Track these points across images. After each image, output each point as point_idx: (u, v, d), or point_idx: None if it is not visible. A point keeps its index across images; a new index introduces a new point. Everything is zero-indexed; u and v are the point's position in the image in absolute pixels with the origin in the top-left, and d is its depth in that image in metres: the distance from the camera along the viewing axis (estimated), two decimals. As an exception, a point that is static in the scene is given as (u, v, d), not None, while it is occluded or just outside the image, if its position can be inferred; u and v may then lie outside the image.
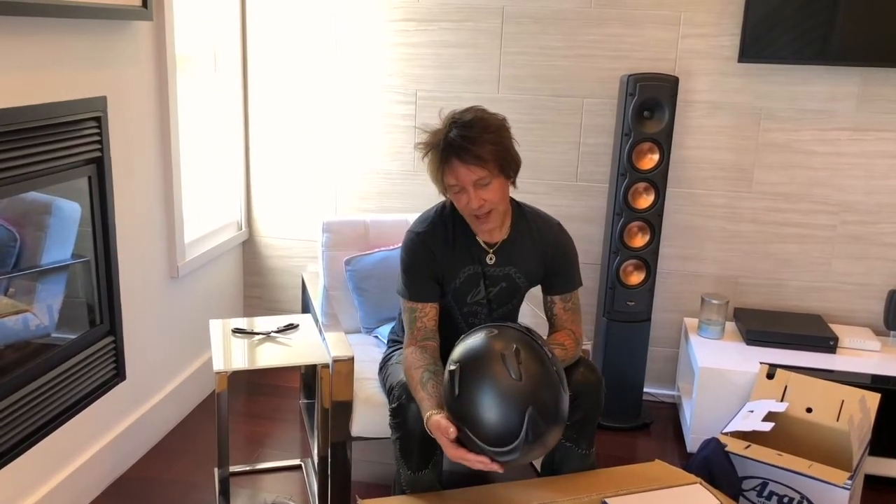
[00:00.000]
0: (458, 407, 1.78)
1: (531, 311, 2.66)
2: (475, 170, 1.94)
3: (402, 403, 2.03)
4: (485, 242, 2.13)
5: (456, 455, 1.82)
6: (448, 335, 2.20)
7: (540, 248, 2.16)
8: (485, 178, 1.95)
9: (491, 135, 1.95)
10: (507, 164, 1.99)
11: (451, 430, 1.81)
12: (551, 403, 1.77)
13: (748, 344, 2.90)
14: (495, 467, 1.79)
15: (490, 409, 1.74)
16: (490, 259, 2.13)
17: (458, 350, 1.85)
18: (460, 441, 1.82)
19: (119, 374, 2.52)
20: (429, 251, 2.10)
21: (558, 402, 1.78)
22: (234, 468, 2.64)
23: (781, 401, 2.55)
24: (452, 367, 1.80)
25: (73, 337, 2.29)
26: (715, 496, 2.00)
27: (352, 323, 2.78)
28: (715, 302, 2.94)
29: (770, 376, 2.61)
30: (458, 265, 2.12)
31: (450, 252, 2.11)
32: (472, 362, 1.78)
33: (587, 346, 2.41)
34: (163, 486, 2.53)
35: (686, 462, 2.57)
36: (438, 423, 1.84)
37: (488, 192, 1.97)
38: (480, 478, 2.66)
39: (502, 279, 2.16)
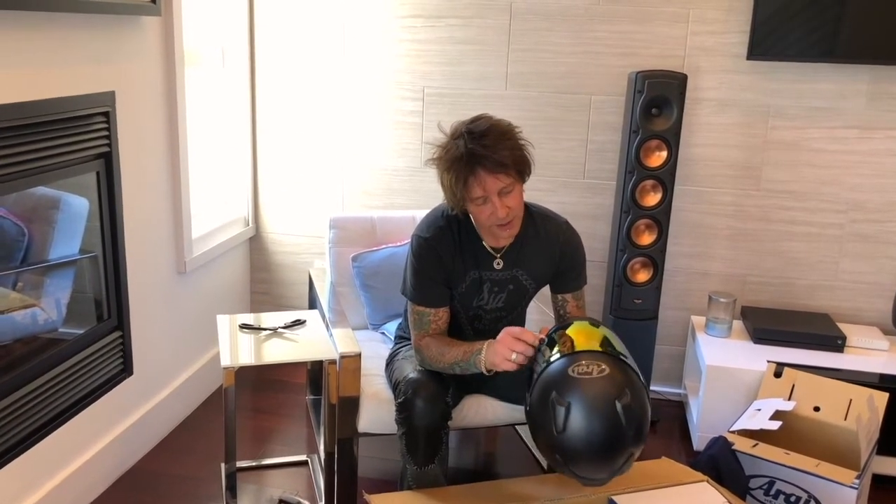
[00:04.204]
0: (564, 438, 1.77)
1: (538, 309, 2.66)
2: (501, 178, 1.92)
3: (408, 399, 2.03)
4: (491, 247, 2.12)
5: (518, 334, 1.91)
6: (451, 336, 2.19)
7: (549, 249, 2.15)
8: (509, 186, 1.94)
9: (509, 141, 1.95)
10: (525, 169, 1.99)
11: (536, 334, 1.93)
12: (638, 393, 1.77)
13: (755, 342, 2.89)
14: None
15: (591, 421, 1.73)
16: (497, 264, 2.13)
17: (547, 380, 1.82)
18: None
19: (126, 369, 2.52)
20: (437, 256, 2.09)
21: (642, 395, 1.80)
22: (240, 463, 2.65)
23: (789, 399, 2.54)
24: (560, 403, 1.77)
25: (80, 332, 2.30)
26: (722, 494, 1.99)
27: (359, 319, 2.78)
28: (722, 300, 2.93)
29: (777, 375, 2.61)
30: (464, 270, 2.12)
31: (457, 257, 2.10)
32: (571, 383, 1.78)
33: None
34: (170, 481, 2.54)
35: (693, 460, 2.57)
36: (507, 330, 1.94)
37: (511, 199, 1.96)
38: (486, 473, 2.66)
39: (509, 282, 2.15)
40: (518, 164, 1.95)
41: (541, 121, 3.11)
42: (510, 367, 1.91)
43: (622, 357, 1.82)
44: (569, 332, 1.89)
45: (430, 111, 3.18)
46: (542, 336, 1.94)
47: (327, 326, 2.48)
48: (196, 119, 3.02)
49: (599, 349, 1.81)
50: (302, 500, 2.43)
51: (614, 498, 1.95)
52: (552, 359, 1.83)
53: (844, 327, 2.99)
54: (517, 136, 1.98)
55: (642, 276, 2.92)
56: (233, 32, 3.17)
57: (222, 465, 2.64)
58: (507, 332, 1.94)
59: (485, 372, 1.98)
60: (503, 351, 1.91)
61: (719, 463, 2.24)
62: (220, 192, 3.28)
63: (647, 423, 1.77)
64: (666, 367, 3.28)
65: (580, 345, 1.83)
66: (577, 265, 2.18)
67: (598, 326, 1.92)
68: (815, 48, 2.79)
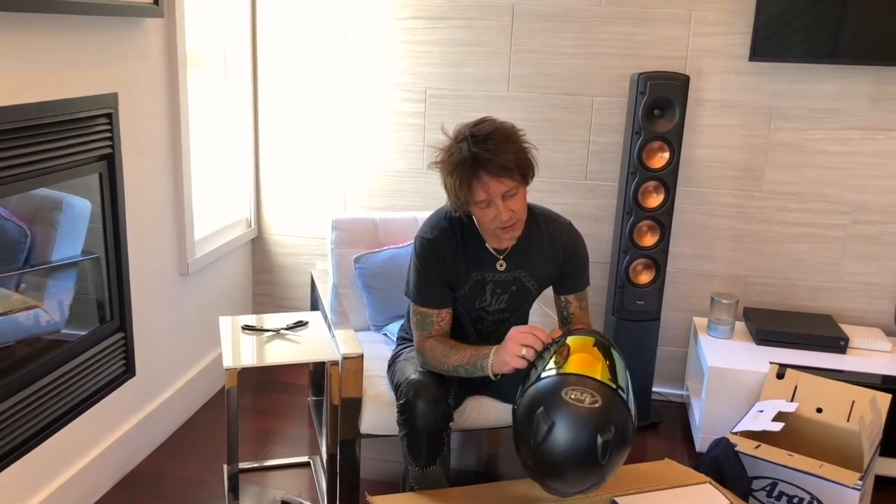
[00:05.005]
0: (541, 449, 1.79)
1: (540, 311, 2.66)
2: (505, 181, 1.92)
3: (409, 400, 2.03)
4: (494, 249, 2.12)
5: (528, 330, 1.93)
6: (454, 338, 2.19)
7: (552, 251, 2.15)
8: (512, 189, 1.94)
9: (513, 144, 1.94)
10: (528, 172, 1.99)
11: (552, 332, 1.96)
12: (621, 425, 1.78)
13: (758, 344, 2.88)
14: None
15: (565, 438, 1.75)
16: (500, 265, 2.13)
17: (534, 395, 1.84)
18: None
19: (129, 371, 2.53)
20: (440, 258, 2.09)
21: (626, 433, 1.80)
22: (242, 465, 2.65)
23: (791, 401, 2.54)
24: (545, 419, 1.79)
25: (83, 333, 2.30)
26: (724, 496, 1.99)
27: (361, 320, 2.78)
28: (725, 301, 2.93)
29: (780, 376, 2.60)
30: (466, 272, 2.12)
31: (460, 258, 2.10)
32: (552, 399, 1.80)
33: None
34: (172, 483, 2.54)
35: (695, 462, 2.56)
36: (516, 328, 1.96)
37: (515, 202, 1.96)
38: (488, 475, 2.66)
39: (512, 284, 2.15)
40: (522, 168, 1.95)
41: (543, 122, 3.11)
42: (521, 363, 1.91)
43: (619, 390, 1.82)
44: (573, 351, 1.89)
45: (432, 113, 3.18)
46: (555, 337, 1.94)
47: (329, 328, 2.48)
48: (198, 121, 3.02)
49: (599, 378, 1.82)
50: (304, 502, 2.44)
51: (617, 499, 1.95)
52: (550, 372, 1.84)
53: (847, 329, 2.99)
54: (521, 140, 1.98)
55: (644, 278, 2.92)
56: (235, 34, 3.17)
57: (224, 467, 2.64)
58: (515, 330, 1.95)
59: (492, 376, 1.98)
60: (513, 348, 1.92)
61: (722, 464, 2.24)
62: (223, 194, 3.29)
63: (622, 458, 1.81)
64: (668, 369, 3.27)
65: (582, 369, 1.84)
66: (580, 266, 2.18)
67: (605, 347, 1.91)
68: (818, 49, 2.79)
